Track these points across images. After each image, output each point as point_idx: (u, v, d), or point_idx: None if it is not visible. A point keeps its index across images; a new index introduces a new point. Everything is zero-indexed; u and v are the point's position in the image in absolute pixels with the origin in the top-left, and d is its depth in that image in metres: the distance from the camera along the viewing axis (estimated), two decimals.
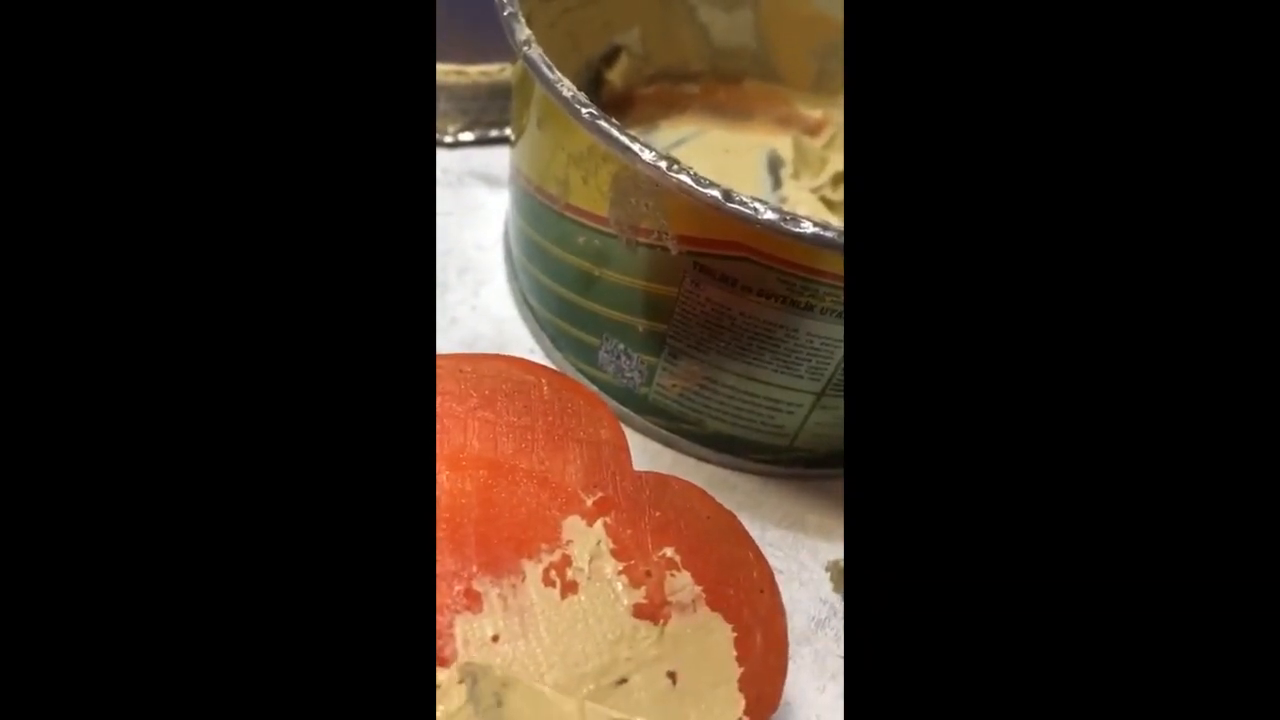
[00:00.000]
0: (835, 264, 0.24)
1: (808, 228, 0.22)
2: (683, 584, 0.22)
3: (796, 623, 0.28)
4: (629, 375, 0.31)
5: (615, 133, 0.24)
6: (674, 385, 0.30)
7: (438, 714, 0.20)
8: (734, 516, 0.24)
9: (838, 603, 0.30)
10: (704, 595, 0.22)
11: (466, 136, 0.41)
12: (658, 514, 0.23)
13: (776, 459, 0.32)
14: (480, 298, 0.36)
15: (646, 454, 0.32)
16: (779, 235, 0.23)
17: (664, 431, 0.32)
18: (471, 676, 0.20)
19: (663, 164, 0.23)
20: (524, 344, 0.35)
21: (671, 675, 0.21)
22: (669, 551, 0.22)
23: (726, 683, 0.21)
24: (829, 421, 0.30)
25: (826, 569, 0.30)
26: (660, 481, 0.24)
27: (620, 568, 0.22)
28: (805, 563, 0.30)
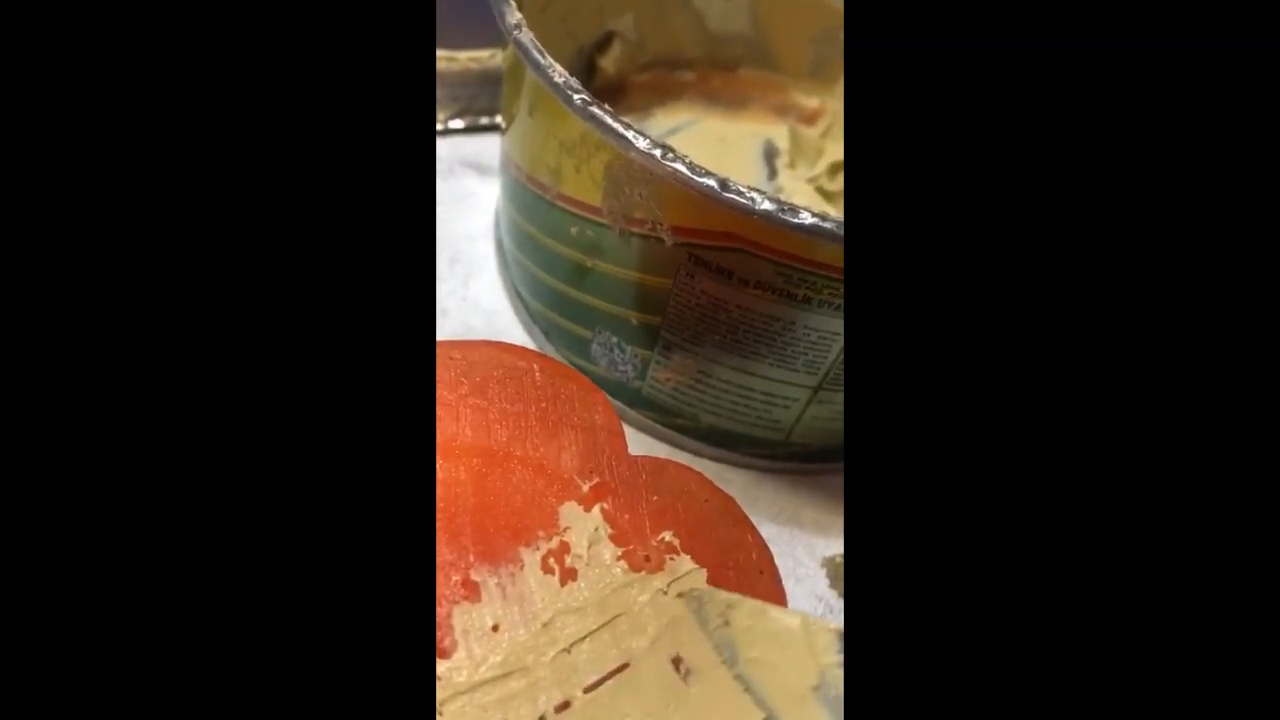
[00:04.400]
0: (833, 255, 0.24)
1: (806, 218, 0.23)
2: (683, 568, 0.23)
3: None
4: (622, 369, 0.31)
5: (608, 120, 0.24)
6: (668, 379, 0.31)
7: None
8: (731, 499, 0.24)
9: (834, 599, 0.30)
10: (704, 578, 0.23)
11: (457, 124, 0.41)
12: (655, 498, 0.23)
13: (772, 454, 0.32)
14: (470, 289, 0.36)
15: (640, 448, 0.32)
16: (776, 226, 0.23)
17: (657, 426, 0.33)
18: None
19: (657, 152, 0.23)
20: (515, 336, 0.35)
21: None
22: (668, 535, 0.23)
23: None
24: (825, 415, 0.30)
25: (822, 565, 0.31)
26: (657, 466, 0.24)
27: (619, 553, 0.22)
28: (801, 559, 0.31)
